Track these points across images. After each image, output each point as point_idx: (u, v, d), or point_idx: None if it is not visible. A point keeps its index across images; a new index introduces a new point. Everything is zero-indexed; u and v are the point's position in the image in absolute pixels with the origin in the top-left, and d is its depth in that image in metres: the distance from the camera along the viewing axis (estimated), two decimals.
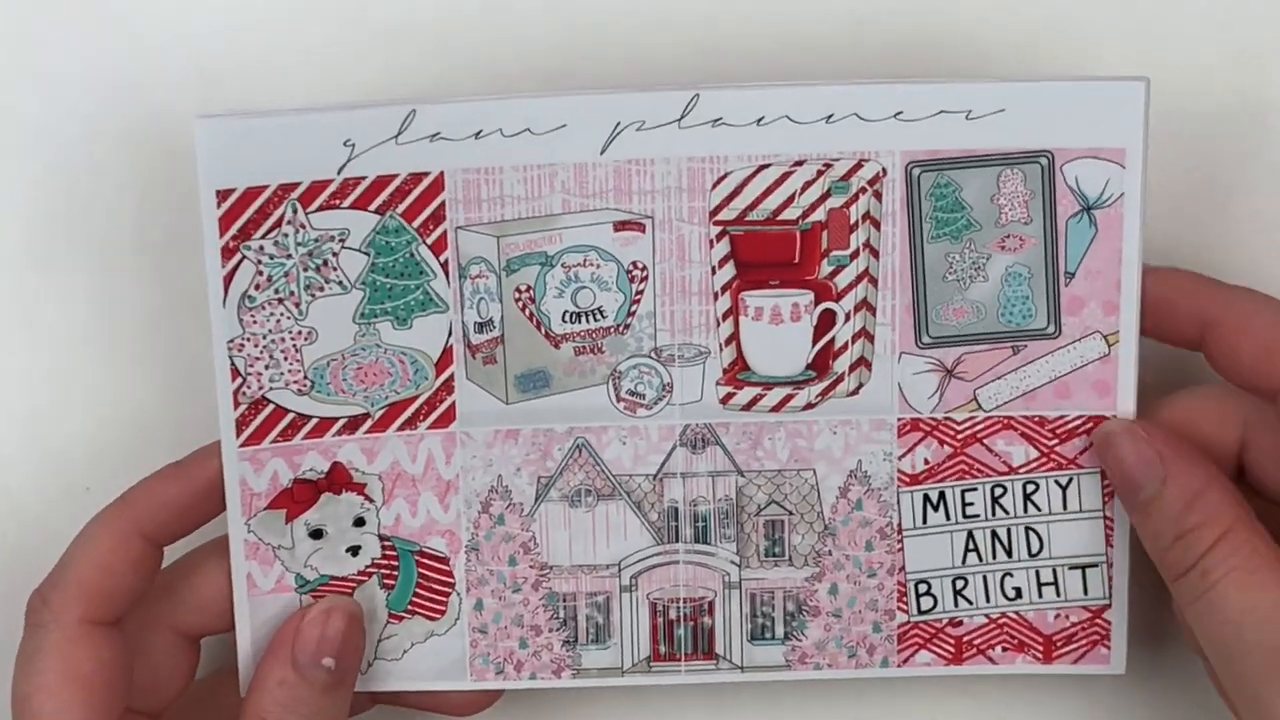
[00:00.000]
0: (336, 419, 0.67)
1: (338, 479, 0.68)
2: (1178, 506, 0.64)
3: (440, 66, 0.71)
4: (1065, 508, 0.69)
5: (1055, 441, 0.68)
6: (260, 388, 0.66)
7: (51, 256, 0.72)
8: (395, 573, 0.69)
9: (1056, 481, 0.69)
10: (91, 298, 0.73)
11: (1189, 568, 0.64)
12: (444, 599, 0.69)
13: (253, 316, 0.65)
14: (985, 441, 0.69)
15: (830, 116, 0.65)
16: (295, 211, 0.65)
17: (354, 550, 0.68)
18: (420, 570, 0.69)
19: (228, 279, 0.65)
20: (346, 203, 0.65)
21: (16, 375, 0.73)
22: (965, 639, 0.70)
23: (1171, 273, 0.68)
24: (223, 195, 0.65)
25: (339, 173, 0.65)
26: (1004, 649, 0.70)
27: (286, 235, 0.65)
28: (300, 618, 0.67)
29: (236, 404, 0.66)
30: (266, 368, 0.66)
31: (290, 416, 0.67)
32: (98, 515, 0.66)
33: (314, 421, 0.67)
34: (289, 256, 0.65)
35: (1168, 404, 0.68)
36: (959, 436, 0.69)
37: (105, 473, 0.72)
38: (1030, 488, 0.69)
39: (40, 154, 0.72)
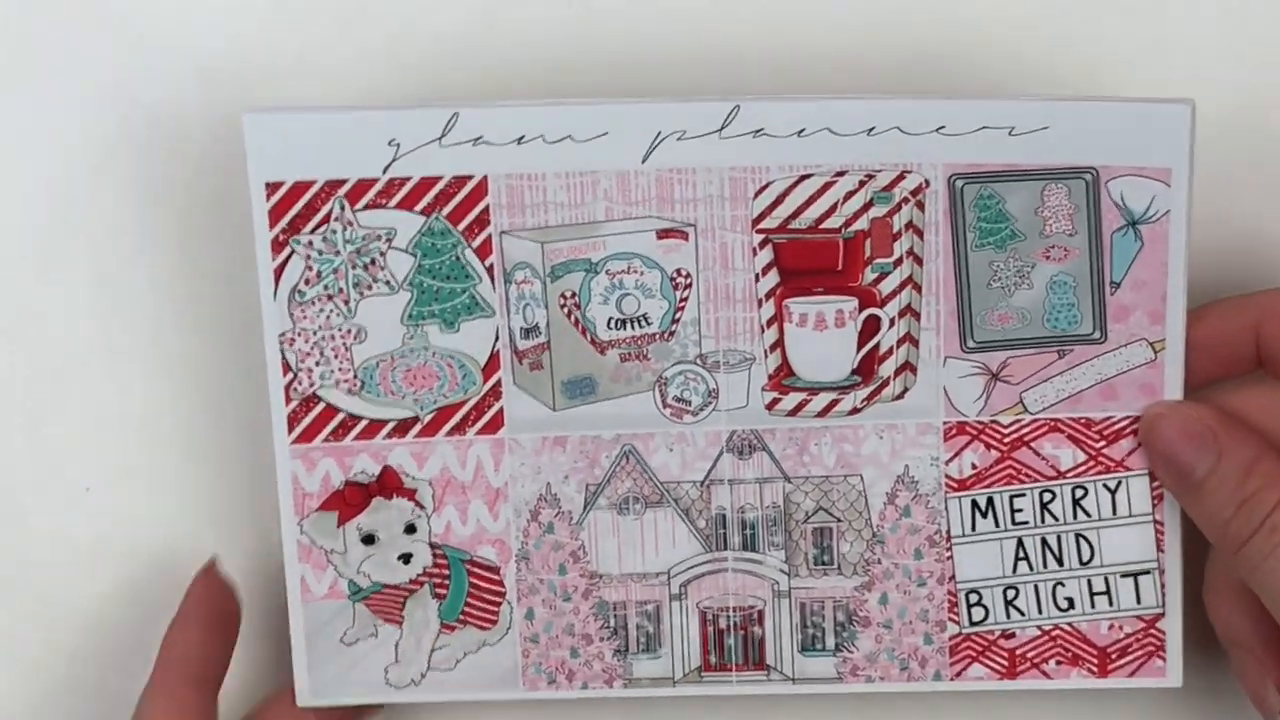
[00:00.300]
0: (387, 421, 0.68)
1: (389, 483, 0.69)
2: (1237, 475, 0.65)
3: (446, 72, 0.72)
4: (1115, 512, 0.69)
5: (1102, 443, 0.68)
6: (311, 384, 0.67)
7: (52, 256, 0.73)
8: (447, 582, 0.70)
9: (1105, 485, 0.69)
10: (91, 298, 0.73)
11: (1254, 530, 0.64)
12: (495, 608, 0.70)
13: (303, 311, 0.67)
14: (1032, 445, 0.69)
15: (872, 129, 0.66)
16: (343, 208, 0.66)
17: (405, 558, 0.69)
18: (471, 579, 0.70)
19: (278, 271, 0.67)
20: (392, 202, 0.67)
21: (17, 375, 0.73)
22: (1019, 652, 0.70)
23: (1208, 307, 0.68)
24: (272, 188, 0.66)
25: (384, 171, 0.66)
26: (1058, 662, 0.70)
27: (335, 231, 0.67)
28: None
29: (289, 399, 0.68)
30: (317, 364, 0.67)
31: (341, 416, 0.68)
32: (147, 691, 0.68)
33: (364, 423, 0.68)
34: (338, 253, 0.67)
35: (1213, 396, 0.67)
36: (1006, 440, 0.69)
37: (105, 473, 0.74)
38: (1079, 492, 0.69)
39: (40, 154, 0.73)
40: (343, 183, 0.66)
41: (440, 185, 0.67)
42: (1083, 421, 0.68)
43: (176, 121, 0.73)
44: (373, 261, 0.67)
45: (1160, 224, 0.66)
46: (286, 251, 0.67)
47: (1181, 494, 0.67)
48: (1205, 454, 0.66)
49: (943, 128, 0.66)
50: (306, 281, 0.67)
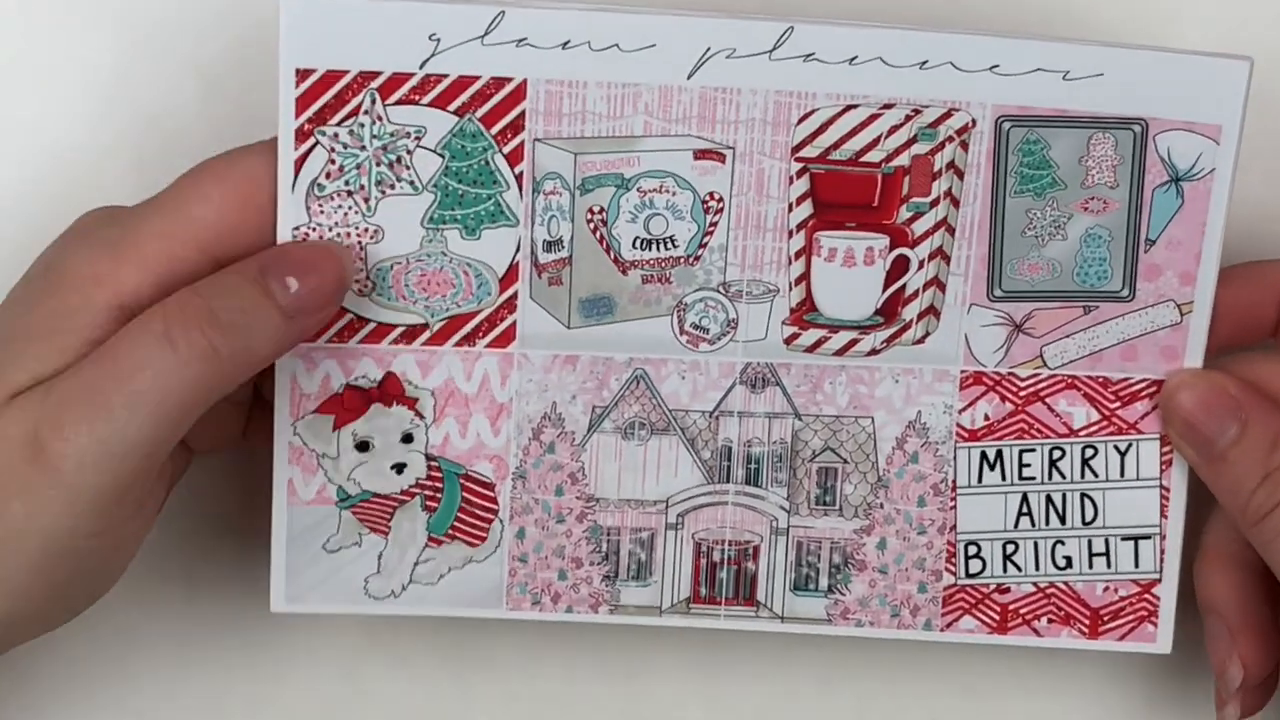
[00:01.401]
0: (395, 326, 0.65)
1: (390, 390, 0.66)
2: (1264, 446, 0.64)
3: None
4: (1122, 474, 0.68)
5: (1117, 404, 0.67)
6: None
7: None
8: (439, 495, 0.67)
9: (1116, 447, 0.68)
10: None
11: (1277, 504, 0.64)
12: (486, 525, 0.68)
13: (320, 206, 0.64)
14: (1047, 400, 0.67)
15: (925, 63, 0.64)
16: (374, 102, 0.63)
17: (399, 468, 0.67)
18: (464, 494, 0.67)
19: (299, 163, 0.63)
20: (426, 99, 0.63)
21: None
22: (1011, 607, 0.69)
23: (1230, 271, 0.67)
24: (302, 75, 0.63)
25: (421, 67, 0.63)
26: (1050, 620, 0.69)
27: (363, 125, 0.63)
28: (293, 244, 0.63)
29: None
30: None
31: (348, 317, 0.65)
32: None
33: (371, 326, 0.65)
34: (363, 148, 0.63)
35: (1234, 363, 0.67)
36: (1021, 393, 0.67)
37: None
38: (1089, 452, 0.68)
39: (40, 154, 0.72)
40: (376, 75, 0.63)
41: (477, 85, 0.63)
42: (1100, 380, 0.67)
43: (176, 121, 0.71)
44: (398, 160, 0.64)
45: (1203, 182, 0.65)
46: (310, 143, 0.63)
47: (1203, 464, 0.66)
48: (1229, 424, 0.65)
49: (996, 66, 0.64)
50: (327, 175, 0.64)
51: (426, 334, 0.66)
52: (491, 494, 0.67)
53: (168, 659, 0.73)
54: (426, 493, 0.67)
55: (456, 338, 0.66)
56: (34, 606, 0.62)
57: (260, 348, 0.61)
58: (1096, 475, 0.68)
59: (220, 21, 0.71)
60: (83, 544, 0.61)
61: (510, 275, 0.65)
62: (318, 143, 0.63)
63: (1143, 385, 0.67)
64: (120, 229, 0.62)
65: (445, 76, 0.63)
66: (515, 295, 0.66)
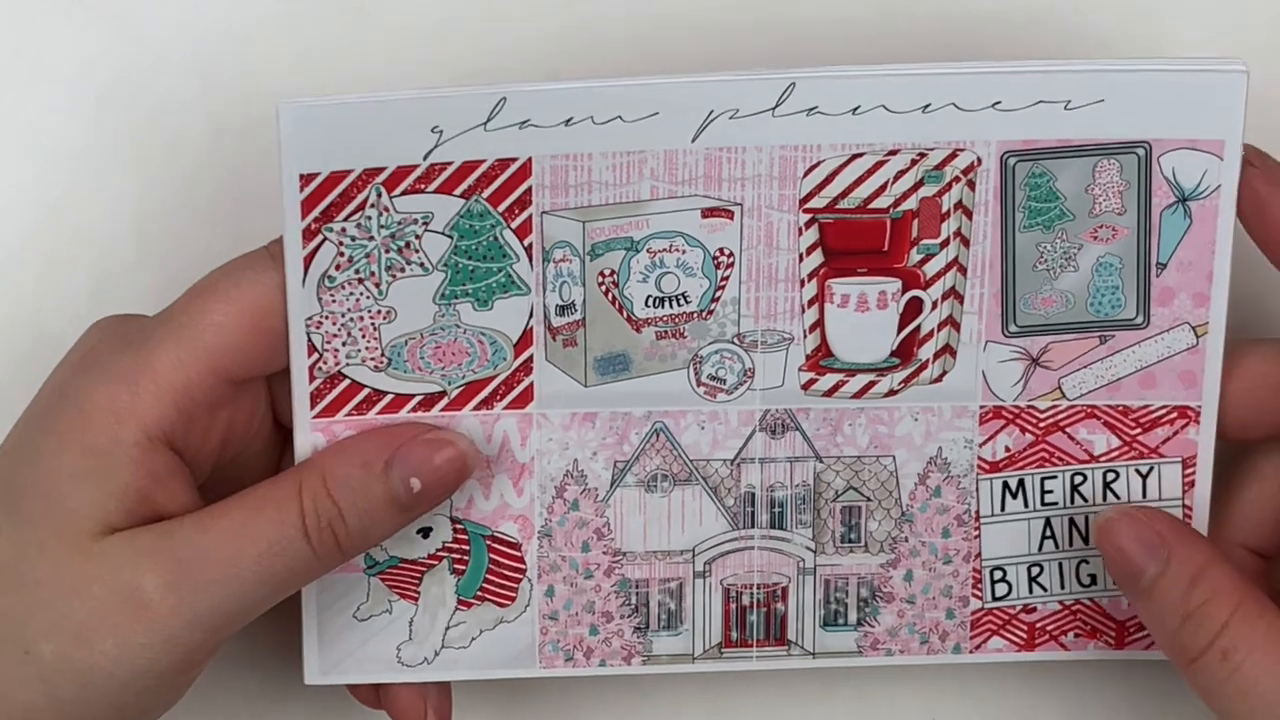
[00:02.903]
0: (412, 395, 0.65)
1: None
2: (1183, 583, 0.63)
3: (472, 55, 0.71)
4: (1145, 496, 0.68)
5: (1138, 431, 0.67)
6: (336, 363, 0.64)
7: (51, 257, 0.71)
8: (466, 558, 0.67)
9: (1137, 470, 0.68)
10: (92, 297, 0.72)
11: (1204, 649, 0.63)
12: (515, 585, 0.68)
13: (332, 295, 0.64)
14: (1067, 430, 0.68)
15: (927, 106, 0.64)
16: (380, 195, 0.63)
17: (425, 532, 0.67)
18: (491, 556, 0.68)
19: (308, 259, 0.63)
20: (431, 187, 0.63)
21: (18, 375, 0.71)
22: (1038, 625, 0.70)
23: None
24: (306, 180, 0.62)
25: (425, 158, 0.63)
26: (1076, 635, 0.70)
27: (370, 218, 0.63)
28: (420, 432, 0.65)
29: (312, 378, 0.64)
30: (344, 344, 0.64)
31: (366, 392, 0.65)
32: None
33: (389, 398, 0.65)
34: (371, 238, 0.63)
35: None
36: (1041, 425, 0.68)
37: None
38: (1110, 476, 0.68)
39: (40, 154, 0.71)
40: (380, 170, 0.63)
41: (482, 169, 0.63)
42: (1120, 409, 0.67)
43: (176, 121, 0.71)
44: (407, 245, 0.64)
45: (1210, 200, 0.65)
46: (318, 240, 0.63)
47: (1133, 598, 0.66)
48: (1154, 559, 0.64)
49: (998, 103, 0.64)
50: (337, 267, 0.63)
51: (444, 401, 0.66)
52: (518, 554, 0.68)
53: None
54: (453, 556, 0.67)
55: (474, 402, 0.66)
56: None
57: (376, 538, 0.64)
58: (1119, 497, 0.68)
59: (221, 21, 0.71)
60: (162, 685, 0.63)
61: (524, 340, 0.65)
62: (325, 239, 0.63)
63: (1164, 411, 0.67)
64: (134, 358, 0.62)
65: (450, 164, 0.63)
66: (530, 359, 0.66)
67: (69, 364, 0.64)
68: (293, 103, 0.62)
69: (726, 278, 0.65)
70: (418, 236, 0.64)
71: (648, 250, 0.65)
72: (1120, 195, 0.65)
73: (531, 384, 0.66)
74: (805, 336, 0.66)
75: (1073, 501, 0.68)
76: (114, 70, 0.71)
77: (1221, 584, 0.63)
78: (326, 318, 0.64)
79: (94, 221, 0.72)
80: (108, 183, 0.72)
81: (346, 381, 0.65)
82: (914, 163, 0.65)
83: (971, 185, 0.65)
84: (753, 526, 0.68)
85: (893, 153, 0.64)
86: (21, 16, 0.71)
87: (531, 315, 0.65)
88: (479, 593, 0.68)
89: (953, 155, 0.64)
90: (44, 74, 0.71)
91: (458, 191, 0.63)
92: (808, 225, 0.65)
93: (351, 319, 0.64)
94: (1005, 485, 0.68)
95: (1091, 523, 0.67)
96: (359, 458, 0.63)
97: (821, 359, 0.67)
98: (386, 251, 0.63)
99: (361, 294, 0.64)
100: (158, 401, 0.63)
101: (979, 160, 0.64)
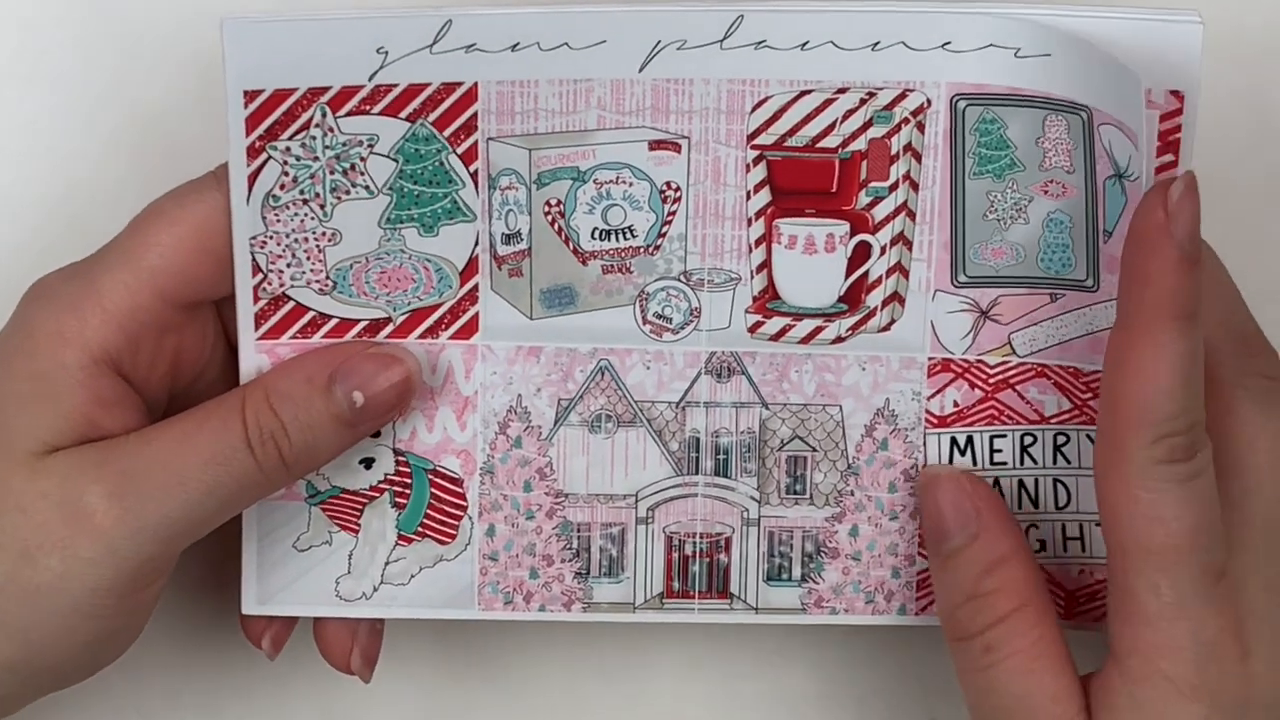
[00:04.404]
0: (358, 320, 0.66)
1: None
2: (979, 566, 0.63)
3: None
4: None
5: (1089, 395, 0.67)
6: (281, 284, 0.65)
7: (51, 256, 0.71)
8: (408, 491, 0.67)
9: (1088, 435, 0.67)
10: None
11: (974, 634, 0.63)
12: (455, 523, 0.68)
13: (276, 215, 0.64)
14: (1018, 388, 0.67)
15: (877, 44, 0.64)
16: (324, 115, 0.63)
17: (367, 463, 0.67)
18: (433, 490, 0.67)
19: (252, 177, 0.64)
20: (377, 109, 0.63)
21: None
22: None
23: None
24: (250, 96, 0.63)
25: (370, 79, 0.63)
26: None
27: (314, 138, 0.63)
28: (365, 348, 0.65)
29: (256, 299, 0.65)
30: (288, 265, 0.64)
31: (310, 315, 0.65)
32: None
33: (334, 321, 0.66)
34: (316, 159, 0.64)
35: None
36: (990, 380, 0.67)
37: None
38: (1061, 439, 0.67)
39: (40, 154, 0.72)
40: (325, 90, 0.63)
41: (427, 92, 0.64)
42: (1070, 370, 0.67)
43: (177, 121, 0.72)
44: (352, 167, 0.64)
45: (1135, 186, 0.64)
46: (262, 158, 0.64)
47: (932, 557, 0.65)
48: (962, 531, 0.64)
49: (948, 44, 0.64)
50: (281, 187, 0.64)
51: (389, 327, 0.66)
52: (460, 490, 0.67)
53: (167, 660, 0.74)
54: (395, 489, 0.67)
55: (419, 330, 0.66)
56: (55, 661, 0.63)
57: (322, 456, 0.64)
58: (1069, 462, 0.67)
59: (220, 21, 0.71)
60: (114, 606, 0.62)
61: (470, 268, 0.65)
62: (270, 157, 0.64)
63: None
64: (80, 283, 0.63)
65: (395, 86, 0.63)
66: (476, 287, 0.66)
67: (22, 300, 0.65)
68: (237, 19, 0.63)
69: (674, 213, 0.66)
70: (363, 159, 0.64)
71: (594, 181, 0.65)
72: (1069, 153, 0.65)
73: (477, 314, 0.66)
74: (753, 277, 0.66)
75: (1022, 463, 0.67)
76: (114, 70, 0.72)
77: (1014, 580, 0.63)
78: (271, 237, 0.64)
79: (94, 221, 0.71)
80: (108, 183, 0.72)
81: (291, 304, 0.65)
82: (863, 102, 0.65)
83: (921, 128, 0.65)
84: (697, 473, 0.68)
85: (841, 91, 0.64)
86: (21, 16, 0.72)
87: (477, 243, 0.65)
88: (419, 528, 0.67)
89: (902, 96, 0.64)
90: (44, 74, 0.72)
91: (403, 114, 0.64)
92: (755, 162, 0.65)
93: (296, 240, 0.64)
94: (954, 441, 0.67)
95: (928, 473, 0.67)
96: (303, 373, 0.64)
97: (769, 301, 0.67)
98: (331, 173, 0.64)
99: (306, 215, 0.64)
100: (103, 326, 0.63)
101: (929, 102, 0.64)
